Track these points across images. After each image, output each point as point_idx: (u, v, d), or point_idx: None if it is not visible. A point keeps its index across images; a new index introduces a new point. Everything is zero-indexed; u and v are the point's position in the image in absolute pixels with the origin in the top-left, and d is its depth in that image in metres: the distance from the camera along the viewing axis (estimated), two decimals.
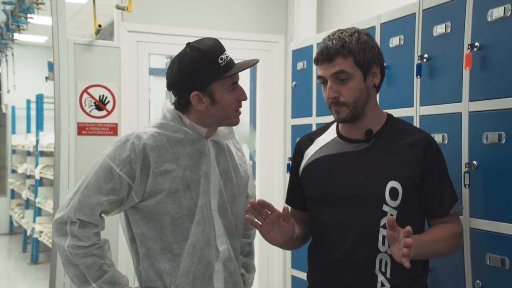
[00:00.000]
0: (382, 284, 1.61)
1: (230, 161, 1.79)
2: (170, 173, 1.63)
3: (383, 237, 1.60)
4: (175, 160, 1.65)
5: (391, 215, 1.60)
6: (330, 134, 1.77)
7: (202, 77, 1.62)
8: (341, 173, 1.67)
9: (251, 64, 1.67)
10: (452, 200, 1.67)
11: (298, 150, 1.82)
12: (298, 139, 1.87)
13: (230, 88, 1.66)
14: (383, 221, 1.60)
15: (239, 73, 1.67)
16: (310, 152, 1.77)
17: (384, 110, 1.78)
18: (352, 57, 1.60)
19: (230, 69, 1.64)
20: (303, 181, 1.78)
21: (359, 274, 1.63)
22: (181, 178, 1.65)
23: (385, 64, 1.71)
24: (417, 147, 1.64)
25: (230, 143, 1.85)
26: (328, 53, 1.61)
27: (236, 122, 1.72)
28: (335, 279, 1.67)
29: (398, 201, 1.61)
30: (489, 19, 1.77)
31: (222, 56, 1.64)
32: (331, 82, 1.62)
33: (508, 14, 1.71)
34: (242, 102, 1.70)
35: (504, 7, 1.72)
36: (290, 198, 1.88)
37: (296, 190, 1.82)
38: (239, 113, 1.71)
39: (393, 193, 1.60)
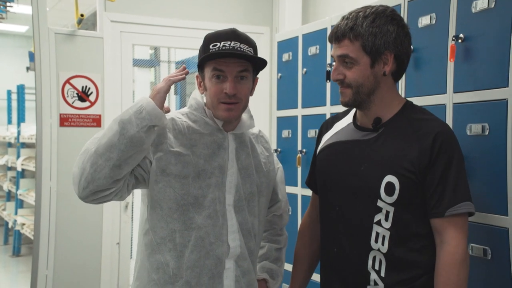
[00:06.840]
0: (375, 283, 1.54)
1: (253, 159, 1.74)
2: (184, 157, 1.61)
3: (377, 234, 1.53)
4: (190, 147, 1.63)
5: (387, 211, 1.52)
6: (348, 119, 1.71)
7: (198, 58, 1.67)
8: (346, 162, 1.61)
9: (244, 64, 1.61)
10: (454, 200, 1.48)
11: (319, 133, 1.81)
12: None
13: (213, 75, 1.62)
14: (378, 217, 1.53)
15: (236, 67, 1.60)
16: (327, 137, 1.74)
17: None
18: (360, 41, 1.52)
19: (217, 57, 1.60)
20: (317, 166, 1.75)
21: (352, 269, 1.58)
22: (194, 165, 1.61)
23: (411, 50, 1.61)
24: (425, 139, 1.51)
25: (257, 141, 1.81)
26: (336, 34, 1.56)
27: (221, 115, 1.64)
28: (332, 271, 1.66)
29: (395, 197, 1.50)
30: (473, 10, 1.78)
31: (217, 43, 1.61)
32: (337, 63, 1.58)
33: (492, 6, 1.71)
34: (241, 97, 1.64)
35: None
36: (310, 180, 1.86)
37: (314, 173, 1.80)
38: (226, 106, 1.62)
39: (389, 188, 1.51)
